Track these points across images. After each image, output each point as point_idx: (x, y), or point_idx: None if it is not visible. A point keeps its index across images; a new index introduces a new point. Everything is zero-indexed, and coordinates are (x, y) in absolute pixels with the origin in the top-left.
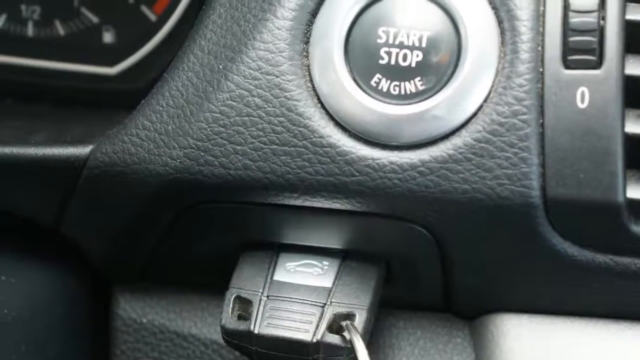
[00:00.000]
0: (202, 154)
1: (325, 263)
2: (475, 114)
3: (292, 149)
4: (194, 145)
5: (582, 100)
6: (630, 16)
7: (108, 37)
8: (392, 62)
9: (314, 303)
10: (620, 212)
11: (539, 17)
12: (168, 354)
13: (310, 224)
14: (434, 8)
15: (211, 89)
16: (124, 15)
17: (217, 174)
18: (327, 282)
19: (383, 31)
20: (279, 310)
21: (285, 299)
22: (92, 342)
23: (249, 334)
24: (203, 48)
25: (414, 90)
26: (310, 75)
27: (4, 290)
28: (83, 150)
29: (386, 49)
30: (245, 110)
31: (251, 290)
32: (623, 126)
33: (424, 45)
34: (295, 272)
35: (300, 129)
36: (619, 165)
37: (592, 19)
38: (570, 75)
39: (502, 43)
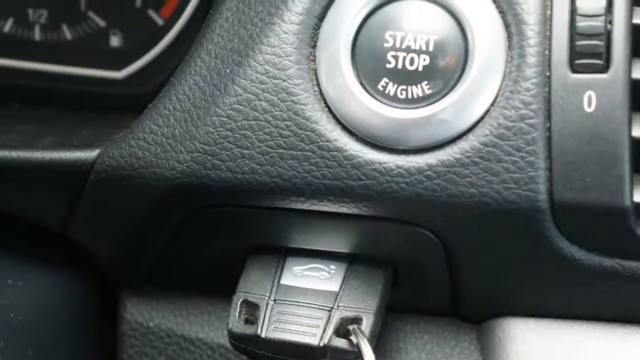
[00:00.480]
0: (209, 157)
1: (332, 267)
2: (482, 118)
3: (299, 153)
4: (201, 149)
5: (589, 104)
6: (637, 20)
7: (115, 41)
8: (399, 66)
9: (321, 307)
10: (627, 216)
11: (546, 21)
12: (175, 358)
13: (317, 228)
14: (440, 12)
15: (218, 92)
16: (131, 19)
17: (224, 178)
18: (334, 286)
19: (390, 35)
20: (286, 314)
21: (292, 302)
22: (99, 346)
23: (256, 338)
24: (210, 52)
25: (420, 94)
26: (317, 79)
27: (10, 294)
28: (90, 154)
29: (393, 53)
30: (252, 114)
31: (258, 294)
32: (630, 130)
33: (431, 49)
34: (302, 276)
35: (307, 133)
36: (625, 170)
37: (599, 23)
38: (577, 79)
39: (509, 47)
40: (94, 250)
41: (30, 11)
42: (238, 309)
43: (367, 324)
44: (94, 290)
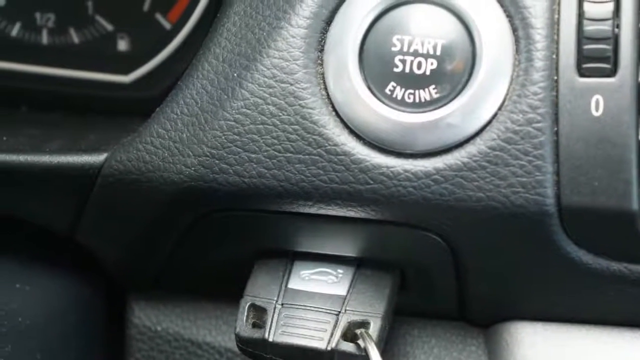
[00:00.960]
0: (217, 162)
1: (340, 271)
2: (489, 122)
3: (307, 157)
4: (208, 153)
5: (597, 108)
6: None
7: (123, 45)
8: (407, 70)
9: (328, 311)
10: (635, 220)
11: (554, 25)
12: None
13: (324, 232)
14: (448, 16)
15: (226, 97)
16: (139, 23)
17: (232, 182)
18: (341, 290)
19: (397, 39)
20: (294, 318)
21: (299, 307)
22: (106, 350)
23: (264, 342)
24: (217, 56)
25: (428, 98)
26: (324, 83)
27: (18, 298)
28: (97, 158)
29: (401, 57)
30: (259, 118)
31: (266, 298)
32: (637, 134)
33: (438, 53)
34: (310, 280)
35: (314, 137)
36: (633, 173)
37: (606, 27)
38: (585, 83)
39: (517, 51)
40: (101, 255)
41: (37, 15)
42: (245, 313)
43: (374, 328)
44: (101, 294)
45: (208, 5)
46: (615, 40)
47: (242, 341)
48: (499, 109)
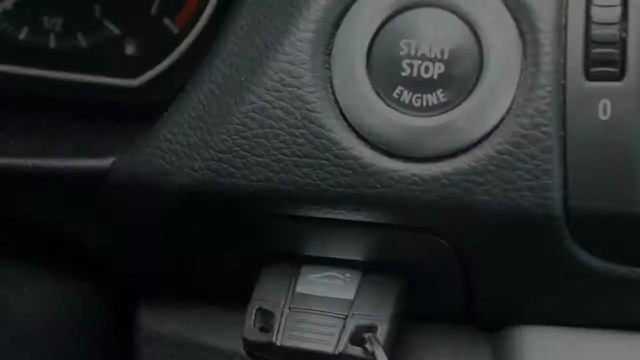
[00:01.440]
0: (224, 166)
1: (347, 275)
2: (497, 126)
3: (314, 161)
4: (215, 157)
5: (604, 112)
6: None
7: (130, 49)
8: (414, 74)
9: (335, 315)
10: None
11: (561, 29)
12: None
13: (332, 236)
14: (455, 20)
15: (233, 100)
16: (146, 28)
17: (239, 186)
18: (349, 294)
19: (405, 43)
20: (301, 322)
21: (307, 311)
22: (114, 354)
23: (271, 345)
24: (225, 60)
25: (435, 102)
26: (331, 87)
27: (26, 303)
28: (104, 162)
29: (408, 61)
30: (267, 122)
31: (273, 302)
32: None
33: (445, 57)
34: (317, 284)
35: (321, 141)
36: None
37: (614, 30)
38: (592, 87)
39: (524, 55)
40: (108, 259)
41: (45, 19)
42: (253, 317)
43: (382, 332)
44: (108, 298)
45: (216, 9)
46: (622, 44)
47: (249, 345)
48: (507, 112)
